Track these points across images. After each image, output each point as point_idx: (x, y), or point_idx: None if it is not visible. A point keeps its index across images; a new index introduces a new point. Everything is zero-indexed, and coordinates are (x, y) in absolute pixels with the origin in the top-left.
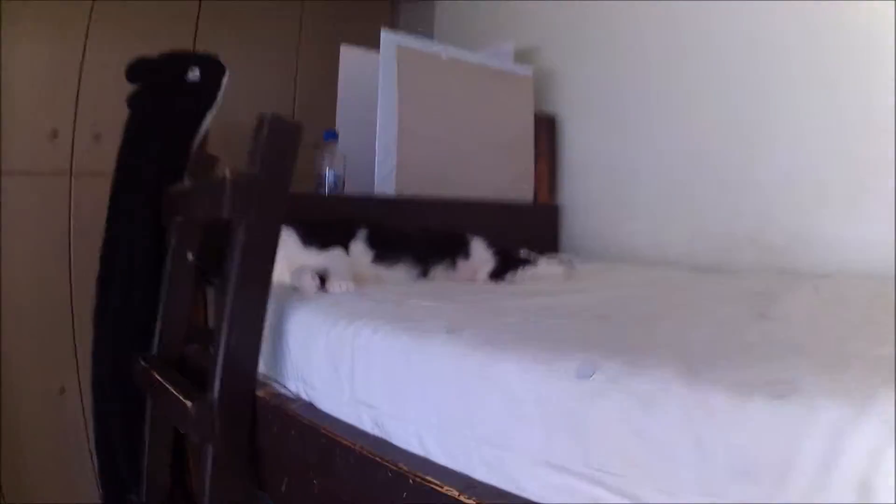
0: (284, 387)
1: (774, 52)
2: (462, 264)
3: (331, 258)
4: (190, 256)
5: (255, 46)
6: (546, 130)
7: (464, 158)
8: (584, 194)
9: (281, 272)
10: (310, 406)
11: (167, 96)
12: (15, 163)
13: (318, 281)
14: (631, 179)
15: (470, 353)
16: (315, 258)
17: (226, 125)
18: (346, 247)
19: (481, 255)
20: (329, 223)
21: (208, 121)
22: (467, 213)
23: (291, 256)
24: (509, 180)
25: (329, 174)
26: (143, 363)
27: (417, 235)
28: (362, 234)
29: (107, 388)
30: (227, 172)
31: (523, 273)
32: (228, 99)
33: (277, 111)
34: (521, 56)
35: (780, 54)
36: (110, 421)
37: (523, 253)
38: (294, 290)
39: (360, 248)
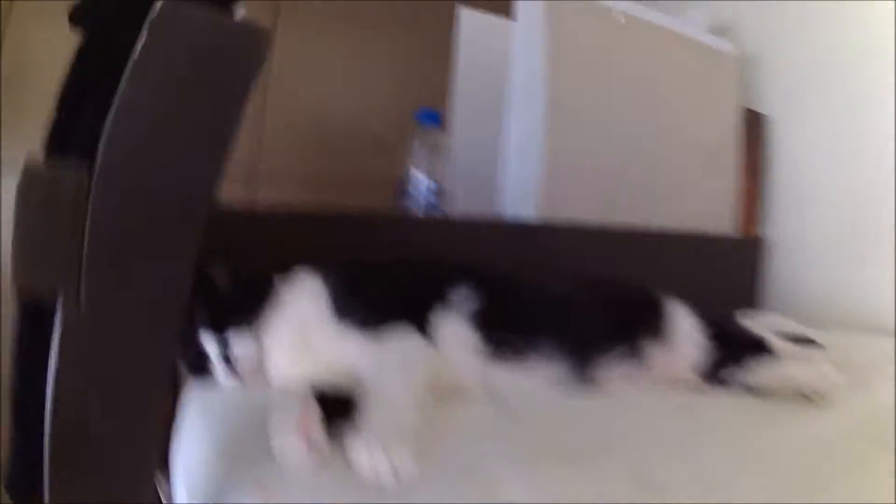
0: None
1: None
2: (657, 355)
3: (386, 356)
4: None
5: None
6: (750, 134)
7: (643, 169)
8: (801, 229)
9: (280, 368)
10: None
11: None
12: None
13: (318, 437)
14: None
15: None
16: (352, 349)
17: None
18: (422, 324)
19: (688, 335)
20: (396, 271)
21: None
22: (626, 249)
23: (309, 338)
24: (704, 202)
25: (422, 182)
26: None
27: (567, 295)
28: (461, 294)
29: None
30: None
31: (757, 371)
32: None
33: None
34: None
35: None
36: None
37: (748, 330)
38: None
39: (454, 328)
